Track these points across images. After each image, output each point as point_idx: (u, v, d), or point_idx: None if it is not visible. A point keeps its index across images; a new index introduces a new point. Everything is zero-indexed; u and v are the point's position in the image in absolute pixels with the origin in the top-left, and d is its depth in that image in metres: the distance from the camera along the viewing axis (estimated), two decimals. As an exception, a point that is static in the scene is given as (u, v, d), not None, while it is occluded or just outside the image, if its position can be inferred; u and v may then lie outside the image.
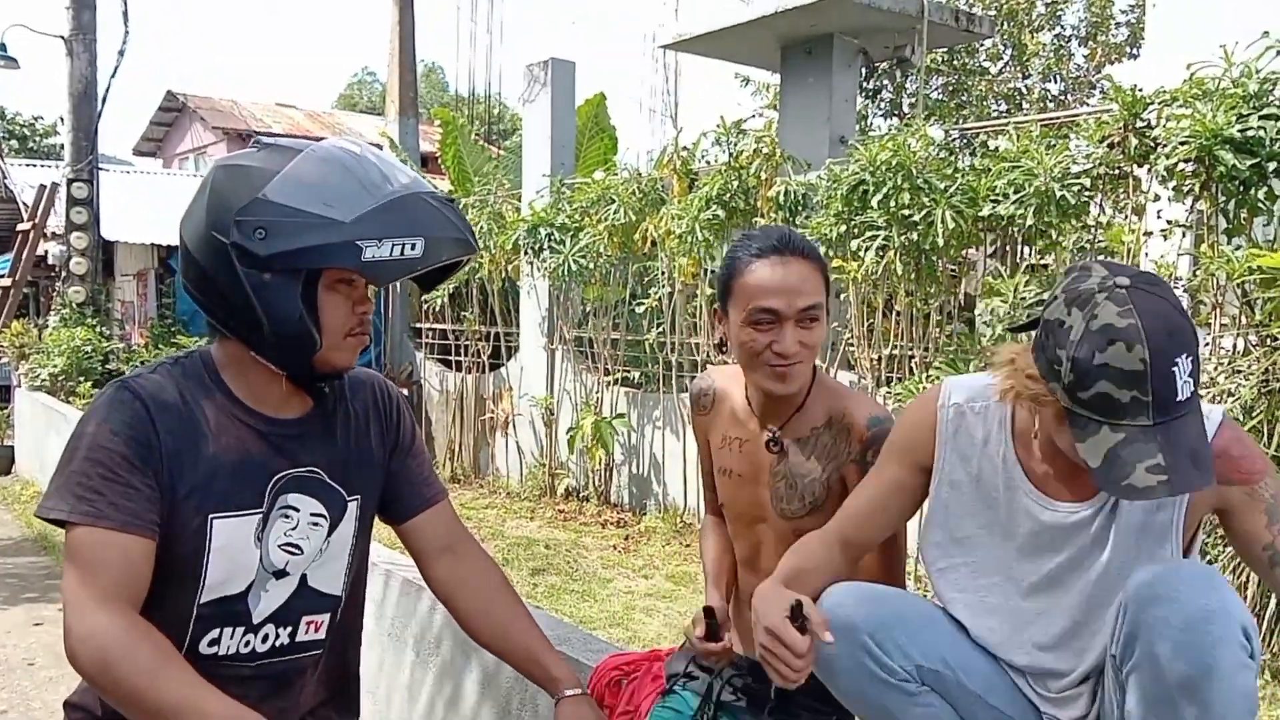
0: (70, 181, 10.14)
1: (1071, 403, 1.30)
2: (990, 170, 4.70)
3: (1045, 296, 1.47)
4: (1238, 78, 3.93)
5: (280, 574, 1.50)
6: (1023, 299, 4.26)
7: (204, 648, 1.46)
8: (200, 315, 1.45)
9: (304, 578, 1.53)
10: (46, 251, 11.18)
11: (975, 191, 4.69)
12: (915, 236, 4.79)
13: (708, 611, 1.78)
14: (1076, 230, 4.65)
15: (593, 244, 6.89)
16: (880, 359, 5.36)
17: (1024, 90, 15.41)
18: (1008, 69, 15.38)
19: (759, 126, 6.60)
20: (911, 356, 5.20)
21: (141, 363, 8.71)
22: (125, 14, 10.11)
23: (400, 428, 1.67)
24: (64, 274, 10.39)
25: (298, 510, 1.50)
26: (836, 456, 1.74)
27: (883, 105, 15.03)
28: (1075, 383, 1.28)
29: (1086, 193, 4.43)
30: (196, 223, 1.41)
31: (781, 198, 5.70)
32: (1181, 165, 4.01)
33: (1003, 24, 14.34)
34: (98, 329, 10.00)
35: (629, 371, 7.33)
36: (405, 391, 9.16)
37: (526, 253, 7.58)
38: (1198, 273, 4.06)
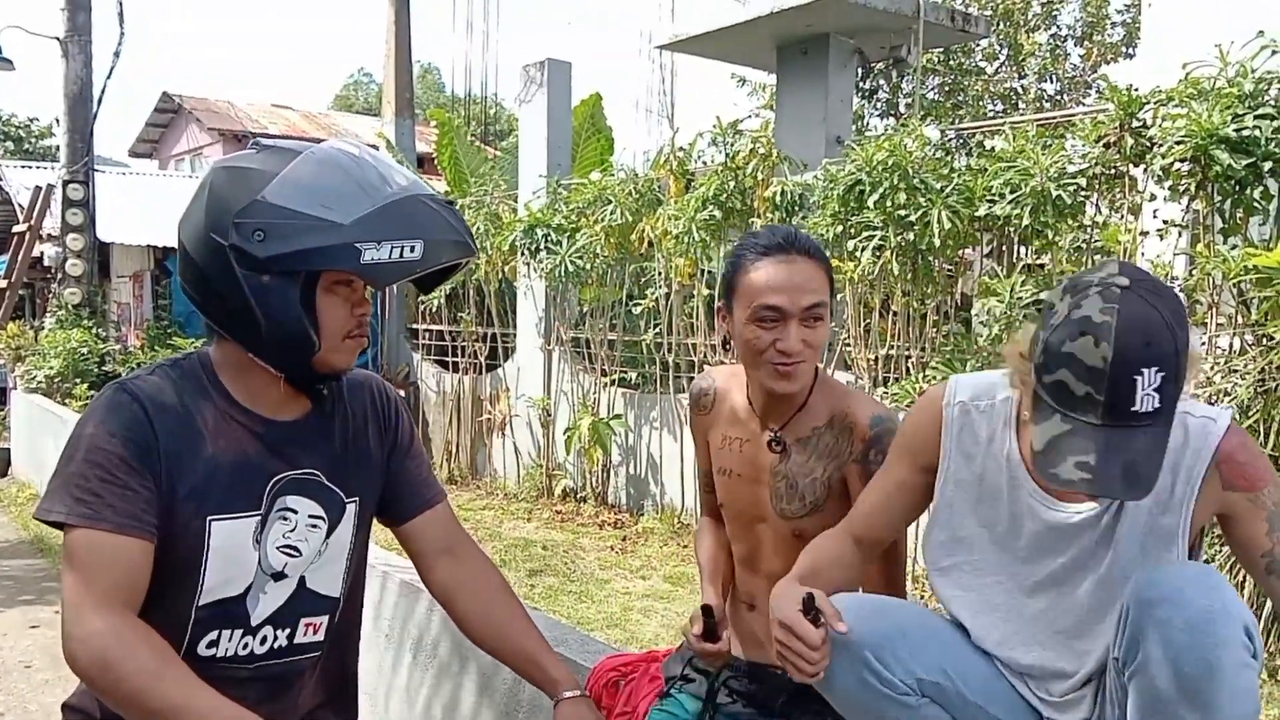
0: (66, 183, 10.14)
1: (1037, 384, 1.31)
2: (986, 170, 4.71)
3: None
4: (1233, 77, 3.93)
5: (278, 576, 1.50)
6: (1019, 299, 4.27)
7: (202, 649, 1.46)
8: (197, 316, 1.45)
9: (302, 580, 1.52)
10: (42, 253, 11.18)
11: (971, 191, 4.69)
12: (911, 236, 4.80)
13: (706, 610, 1.78)
14: (1073, 230, 4.66)
15: (589, 245, 6.89)
16: (877, 359, 5.37)
17: (1020, 90, 15.43)
18: (1004, 69, 15.41)
19: (755, 127, 6.60)
20: (908, 356, 5.20)
21: (138, 364, 8.71)
22: (121, 15, 10.12)
23: (398, 429, 1.67)
24: (60, 276, 10.38)
25: (296, 512, 1.50)
26: (838, 456, 1.74)
27: (879, 105, 15.06)
28: (1042, 365, 1.29)
29: (1082, 192, 4.44)
30: (195, 224, 1.41)
31: (778, 198, 5.71)
32: (1177, 165, 4.02)
33: (999, 24, 14.37)
34: (94, 331, 9.99)
35: (626, 372, 7.33)
36: (402, 392, 9.15)
37: (523, 253, 7.58)
38: (1194, 272, 4.07)
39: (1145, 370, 1.23)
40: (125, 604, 1.34)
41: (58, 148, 10.58)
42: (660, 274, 6.73)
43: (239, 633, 1.48)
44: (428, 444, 8.92)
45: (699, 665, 1.86)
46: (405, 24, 11.83)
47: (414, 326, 9.56)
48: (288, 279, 1.36)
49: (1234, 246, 3.93)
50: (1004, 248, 5.05)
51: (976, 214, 4.70)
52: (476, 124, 18.74)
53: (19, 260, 10.63)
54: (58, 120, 10.34)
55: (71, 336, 9.60)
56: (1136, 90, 4.26)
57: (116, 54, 10.08)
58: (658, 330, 6.74)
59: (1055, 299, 1.31)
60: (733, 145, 6.09)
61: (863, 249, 4.94)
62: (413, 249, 1.36)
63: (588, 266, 7.01)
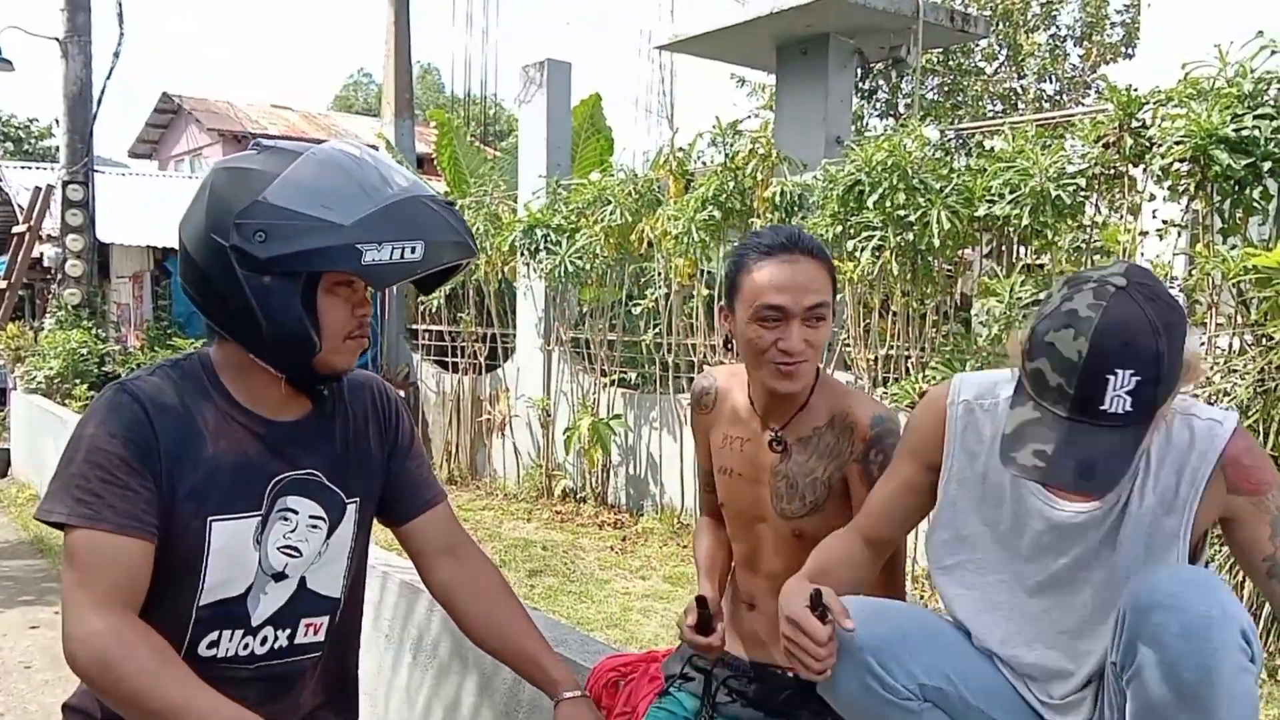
0: (65, 184, 10.14)
1: (1021, 369, 1.33)
2: (986, 170, 4.71)
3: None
4: (1232, 77, 3.94)
5: (279, 576, 1.50)
6: (1018, 299, 4.27)
7: (203, 650, 1.46)
8: (196, 317, 1.45)
9: (303, 580, 1.53)
10: (42, 254, 11.18)
11: (971, 192, 4.70)
12: (911, 237, 4.80)
13: (700, 601, 1.78)
14: (1072, 230, 4.67)
15: (589, 245, 6.89)
16: (876, 359, 5.37)
17: (1019, 90, 15.44)
18: (1003, 69, 15.42)
19: (755, 127, 6.61)
20: (908, 357, 5.21)
21: (138, 365, 8.71)
22: (120, 16, 10.12)
23: (399, 429, 1.67)
24: (59, 276, 10.39)
25: (296, 513, 1.50)
26: (838, 456, 1.74)
27: (878, 106, 15.06)
28: (1026, 352, 1.31)
29: (1082, 193, 4.44)
30: (196, 225, 1.41)
31: (778, 198, 5.71)
32: (1177, 165, 4.02)
33: (998, 24, 14.37)
34: (93, 331, 9.99)
35: (625, 372, 7.33)
36: (401, 393, 9.14)
37: (523, 254, 7.58)
38: (1193, 272, 4.07)
39: (1119, 371, 1.23)
40: (126, 604, 1.34)
41: (57, 148, 10.59)
42: (660, 274, 6.73)
43: (239, 633, 1.48)
44: (427, 444, 8.92)
45: (698, 664, 1.86)
46: (405, 24, 11.83)
47: (414, 327, 9.57)
48: (289, 280, 1.36)
49: (1233, 246, 3.94)
50: (1003, 248, 5.06)
51: (976, 214, 4.70)
52: (476, 124, 18.74)
53: (18, 261, 10.64)
54: (57, 121, 10.35)
55: (71, 337, 9.61)
56: (1136, 90, 4.26)
57: (116, 54, 10.09)
58: (657, 330, 6.74)
59: (1054, 288, 1.33)
60: (732, 145, 6.09)
61: (862, 249, 4.94)
62: (414, 250, 1.37)
63: (587, 267, 7.01)
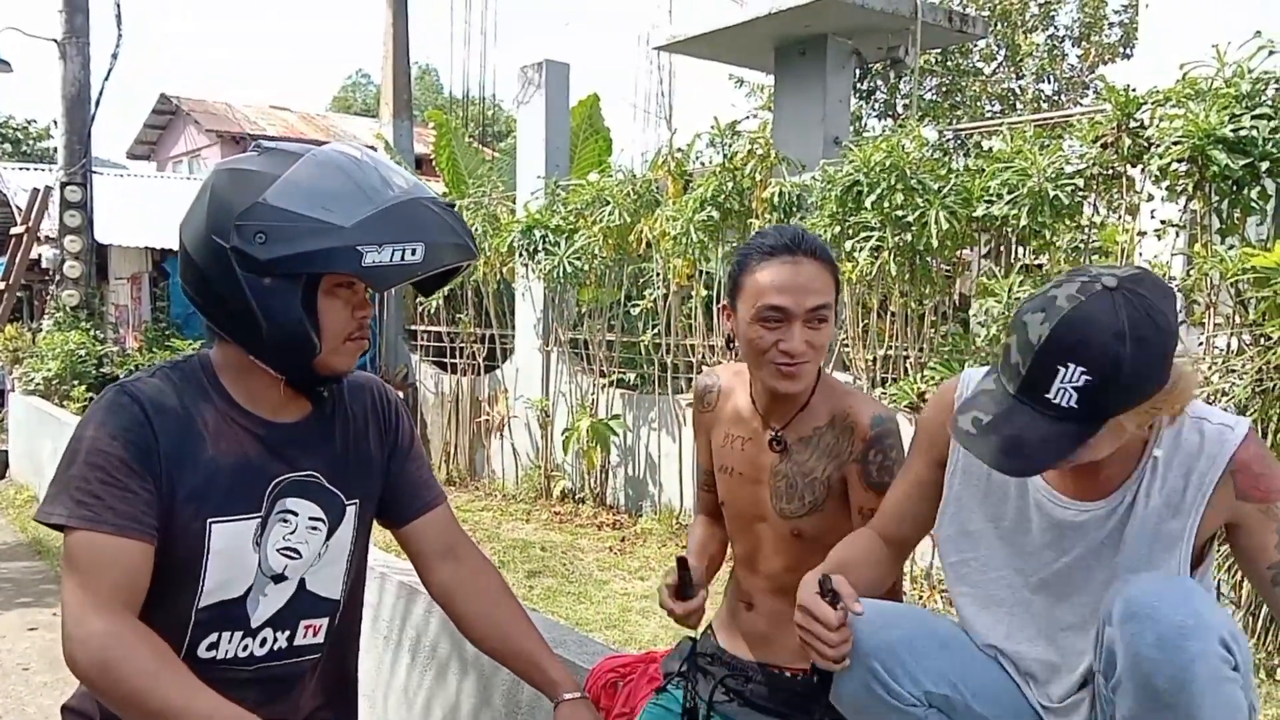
0: (64, 185, 10.14)
1: (1003, 341, 1.37)
2: (984, 171, 4.72)
3: None
4: (1230, 78, 3.94)
5: (279, 578, 1.50)
6: (1017, 299, 4.27)
7: (202, 651, 1.46)
8: (195, 318, 1.45)
9: (302, 582, 1.53)
10: (40, 255, 11.18)
11: (969, 192, 4.70)
12: (909, 237, 4.81)
13: (681, 561, 1.78)
14: (1070, 230, 4.67)
15: (588, 246, 6.89)
16: (875, 359, 5.37)
17: (1018, 91, 15.44)
18: (1001, 69, 15.42)
19: (753, 128, 6.62)
20: (906, 357, 5.21)
21: (136, 366, 8.71)
22: (118, 17, 10.11)
23: (399, 431, 1.67)
24: (58, 277, 10.39)
25: (296, 514, 1.50)
26: (838, 456, 1.74)
27: (877, 106, 15.06)
28: (1008, 328, 1.34)
29: (1080, 193, 4.45)
30: (196, 226, 1.41)
31: (776, 199, 5.71)
32: (1175, 165, 4.03)
33: (996, 25, 14.37)
34: (92, 332, 9.99)
35: (624, 373, 7.33)
36: (400, 394, 9.14)
37: (521, 254, 7.58)
38: (1191, 272, 4.08)
39: (1070, 364, 1.24)
40: (125, 606, 1.34)
41: (56, 150, 10.59)
42: (658, 275, 6.73)
43: (239, 635, 1.48)
44: (426, 445, 8.92)
45: (699, 664, 1.86)
46: (403, 25, 11.83)
47: (412, 328, 9.57)
48: (289, 281, 1.36)
49: (1231, 246, 3.94)
50: (1002, 248, 5.06)
51: (974, 214, 4.71)
52: (475, 125, 18.72)
53: (17, 262, 10.63)
54: (55, 122, 10.35)
55: (69, 338, 9.60)
56: (1134, 91, 4.27)
57: (114, 55, 10.09)
58: (656, 331, 6.75)
59: (1060, 277, 1.35)
60: (731, 146, 6.10)
61: (860, 250, 4.94)
62: (414, 252, 1.37)
63: (586, 267, 7.01)
